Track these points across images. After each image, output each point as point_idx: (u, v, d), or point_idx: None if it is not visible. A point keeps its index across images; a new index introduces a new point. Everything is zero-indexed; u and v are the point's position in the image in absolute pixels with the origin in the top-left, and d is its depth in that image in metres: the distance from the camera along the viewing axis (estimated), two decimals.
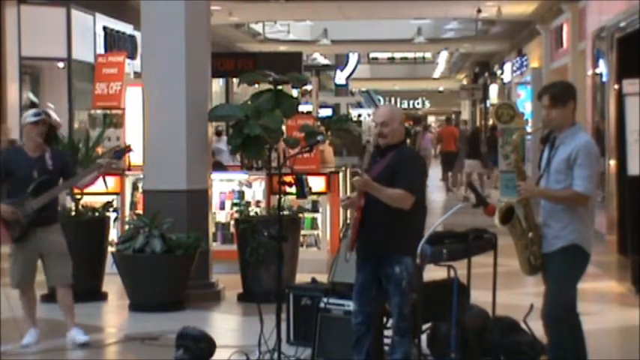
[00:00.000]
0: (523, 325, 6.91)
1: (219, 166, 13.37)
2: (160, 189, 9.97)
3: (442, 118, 51.12)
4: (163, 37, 10.06)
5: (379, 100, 52.05)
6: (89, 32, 18.67)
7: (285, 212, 9.29)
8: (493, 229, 6.62)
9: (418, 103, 61.99)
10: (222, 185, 11.99)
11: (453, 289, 6.54)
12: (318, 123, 11.18)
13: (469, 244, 6.71)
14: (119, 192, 11.75)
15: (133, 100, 11.80)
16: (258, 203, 11.66)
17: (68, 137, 11.95)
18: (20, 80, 17.14)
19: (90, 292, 9.87)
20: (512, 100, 25.42)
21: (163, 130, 10.00)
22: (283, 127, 10.20)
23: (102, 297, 10.16)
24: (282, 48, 30.70)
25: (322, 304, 7.09)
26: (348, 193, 11.60)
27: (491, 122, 25.07)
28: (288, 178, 7.12)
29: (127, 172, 11.87)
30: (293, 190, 7.19)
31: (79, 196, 10.19)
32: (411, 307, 6.24)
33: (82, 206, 10.24)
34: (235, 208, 10.98)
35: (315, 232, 12.01)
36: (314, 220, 11.98)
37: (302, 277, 9.32)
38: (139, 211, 11.04)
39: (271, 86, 9.90)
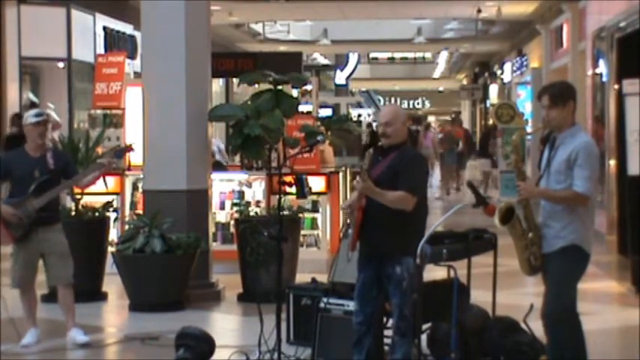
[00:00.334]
0: (523, 325, 6.91)
1: (219, 166, 13.37)
2: (159, 189, 9.97)
3: (442, 119, 51.15)
4: (163, 37, 10.06)
5: (379, 100, 52.04)
6: (89, 32, 18.66)
7: (285, 212, 9.28)
8: (493, 229, 6.61)
9: (418, 103, 61.97)
10: (222, 185, 11.97)
11: (453, 289, 6.53)
12: (318, 123, 11.20)
13: (469, 244, 6.70)
14: (119, 192, 11.75)
15: (133, 100, 11.80)
16: (258, 203, 11.65)
17: (68, 137, 11.95)
18: (20, 80, 17.14)
19: (90, 292, 9.88)
20: (512, 100, 25.43)
21: (163, 130, 10.00)
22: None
23: (102, 297, 10.16)
24: (282, 48, 30.68)
25: (322, 304, 7.09)
26: (348, 196, 11.60)
27: (491, 122, 25.06)
28: (288, 178, 7.12)
29: (127, 172, 11.86)
30: (293, 190, 7.19)
31: (79, 196, 10.20)
32: (411, 307, 6.25)
33: (82, 206, 10.24)
34: (235, 208, 10.98)
35: (315, 232, 12.00)
36: (314, 220, 11.97)
37: (302, 277, 9.32)
38: (139, 211, 11.04)
39: (271, 86, 9.91)
